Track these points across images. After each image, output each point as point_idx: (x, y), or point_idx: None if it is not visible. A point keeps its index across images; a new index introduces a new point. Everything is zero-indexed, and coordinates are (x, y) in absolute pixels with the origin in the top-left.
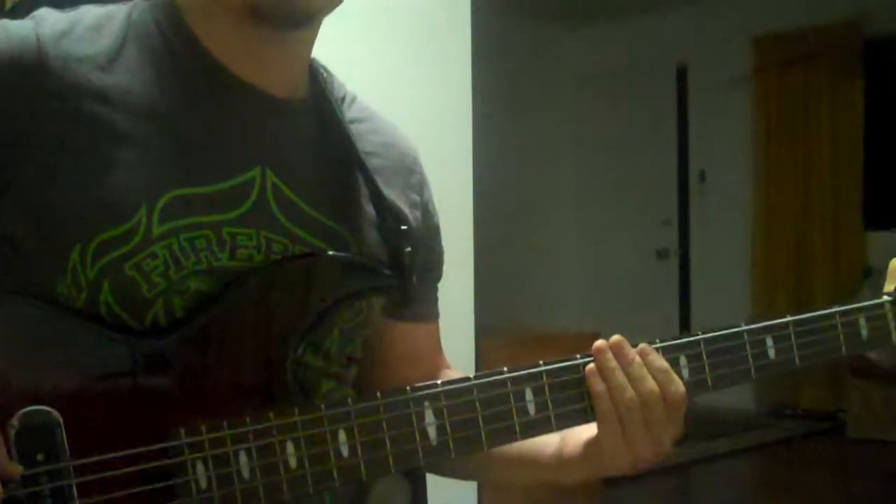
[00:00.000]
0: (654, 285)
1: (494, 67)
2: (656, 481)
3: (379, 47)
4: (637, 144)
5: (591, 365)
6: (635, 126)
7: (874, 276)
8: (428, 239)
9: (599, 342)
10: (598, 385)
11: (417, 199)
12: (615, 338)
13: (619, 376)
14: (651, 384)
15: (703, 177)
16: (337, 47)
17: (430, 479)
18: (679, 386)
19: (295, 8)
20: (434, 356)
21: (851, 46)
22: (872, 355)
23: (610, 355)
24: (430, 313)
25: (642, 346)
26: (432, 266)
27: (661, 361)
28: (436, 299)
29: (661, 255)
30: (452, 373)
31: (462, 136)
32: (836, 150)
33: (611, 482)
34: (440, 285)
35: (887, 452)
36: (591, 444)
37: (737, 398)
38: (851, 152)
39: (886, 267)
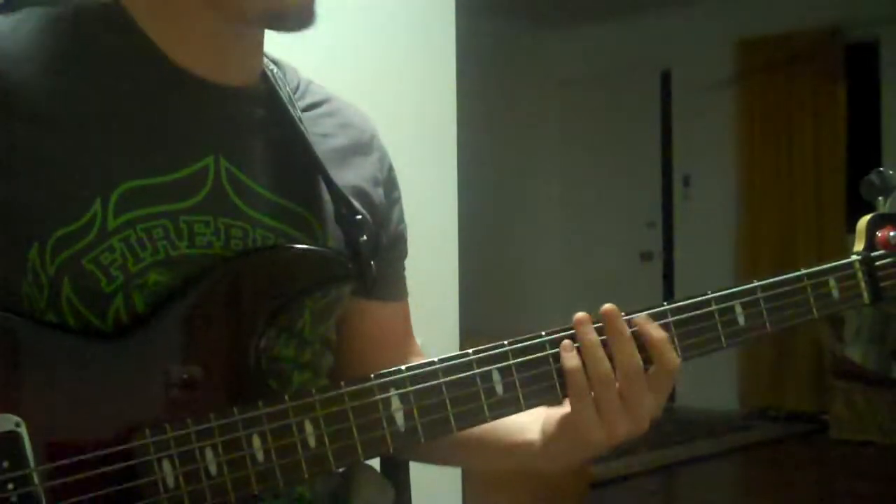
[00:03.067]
0: (638, 287)
1: (479, 70)
2: (641, 482)
3: (363, 48)
4: (621, 147)
5: (567, 341)
6: (619, 129)
7: None
8: (391, 212)
9: (580, 314)
10: (571, 360)
11: (378, 175)
12: (607, 307)
13: (597, 351)
14: (630, 357)
15: (686, 180)
16: (320, 47)
17: (414, 480)
18: (673, 357)
19: (310, 12)
20: (403, 337)
21: (834, 51)
22: (856, 358)
23: (589, 328)
24: (396, 292)
25: (639, 316)
26: (396, 241)
27: (658, 332)
28: (402, 277)
29: (646, 257)
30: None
31: (447, 137)
32: (819, 153)
33: (596, 484)
34: (424, 286)
35: (869, 453)
36: (565, 421)
37: (721, 400)
38: (834, 156)
39: None
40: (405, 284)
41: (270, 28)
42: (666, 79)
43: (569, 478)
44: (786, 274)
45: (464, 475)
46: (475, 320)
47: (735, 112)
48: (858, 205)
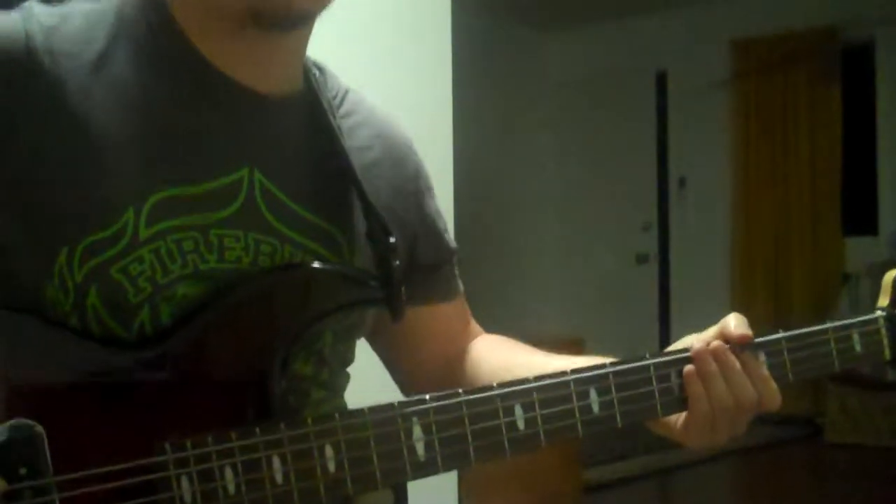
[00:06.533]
0: (634, 290)
1: (475, 71)
2: (637, 486)
3: (358, 50)
4: (617, 149)
5: (691, 367)
6: (615, 131)
7: (852, 282)
8: (426, 227)
9: (699, 348)
10: (697, 387)
11: (413, 188)
12: (716, 343)
13: (720, 383)
14: (750, 391)
15: (682, 182)
16: (314, 47)
17: (411, 486)
18: (777, 395)
19: (292, 11)
20: (460, 332)
21: (829, 52)
22: None
23: (710, 360)
24: (445, 294)
25: (746, 354)
26: (437, 250)
27: (762, 370)
28: (451, 277)
29: (641, 259)
30: (479, 344)
31: (442, 140)
32: (815, 155)
33: (591, 488)
34: None
35: (864, 456)
36: (677, 424)
37: None
38: (830, 158)
39: (864, 272)
40: (457, 282)
41: (255, 27)
42: (662, 80)
43: (562, 480)
44: (810, 326)
45: (460, 477)
46: None
47: (731, 113)
48: (854, 207)
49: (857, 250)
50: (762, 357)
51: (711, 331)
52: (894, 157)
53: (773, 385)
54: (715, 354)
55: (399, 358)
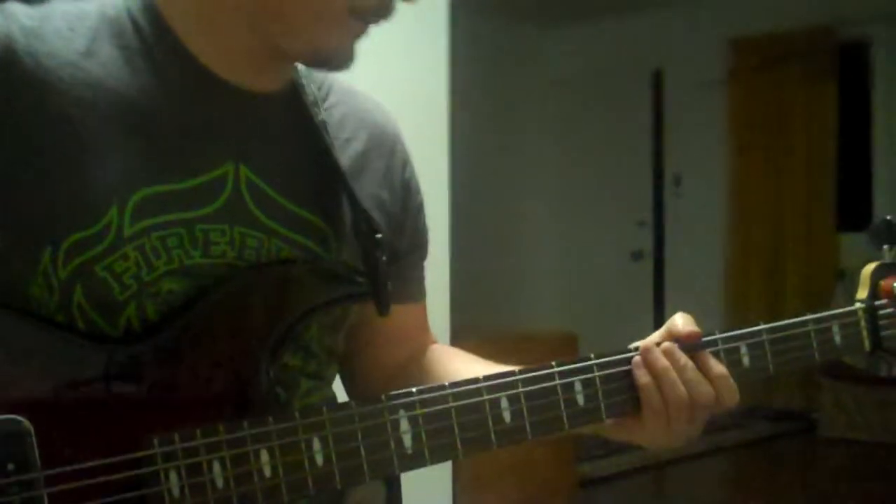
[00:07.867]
0: (629, 286)
1: (471, 68)
2: (631, 481)
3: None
4: (613, 146)
5: (638, 357)
6: (611, 128)
7: (847, 279)
8: (410, 219)
9: (645, 344)
10: (643, 377)
11: (399, 180)
12: (666, 344)
13: (669, 377)
14: (705, 388)
15: (678, 179)
16: None
17: (404, 478)
18: (735, 392)
19: (352, 53)
20: (420, 335)
21: (825, 50)
22: (847, 358)
23: (659, 355)
24: (415, 293)
25: (702, 352)
26: (416, 245)
27: (720, 367)
28: (421, 278)
29: (636, 256)
30: (438, 348)
31: (438, 137)
32: (810, 152)
33: (585, 482)
34: None
35: (858, 452)
36: (632, 426)
37: None
38: (825, 155)
39: (859, 269)
40: (423, 285)
41: (312, 67)
42: (657, 77)
43: (557, 475)
44: (791, 318)
45: (454, 473)
46: (466, 319)
47: (726, 111)
48: (849, 203)
49: (852, 246)
50: (741, 351)
51: (657, 333)
52: (889, 154)
53: (731, 382)
54: (665, 353)
55: (359, 354)
